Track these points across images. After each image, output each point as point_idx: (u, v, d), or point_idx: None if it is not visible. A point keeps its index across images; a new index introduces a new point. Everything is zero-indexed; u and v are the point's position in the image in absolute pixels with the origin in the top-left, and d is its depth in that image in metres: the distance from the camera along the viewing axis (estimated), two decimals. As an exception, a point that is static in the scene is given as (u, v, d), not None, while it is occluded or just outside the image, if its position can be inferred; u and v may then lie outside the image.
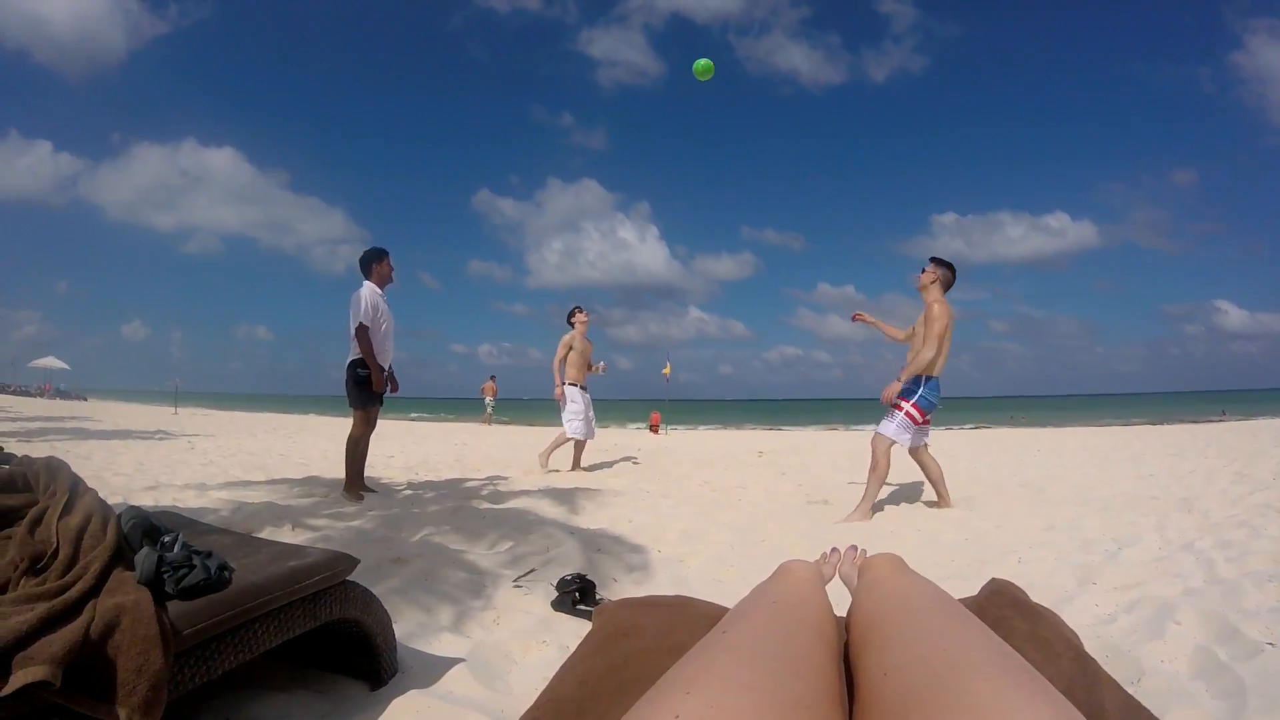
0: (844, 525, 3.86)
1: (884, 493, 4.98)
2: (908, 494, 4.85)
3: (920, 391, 4.15)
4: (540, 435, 12.59)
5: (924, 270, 4.30)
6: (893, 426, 4.14)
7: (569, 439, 6.30)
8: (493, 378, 19.53)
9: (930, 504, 4.40)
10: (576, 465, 6.33)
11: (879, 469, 4.13)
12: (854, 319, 4.76)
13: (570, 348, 6.31)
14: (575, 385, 6.30)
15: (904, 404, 4.15)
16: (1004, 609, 0.93)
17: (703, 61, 4.42)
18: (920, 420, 4.16)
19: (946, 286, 4.25)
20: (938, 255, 4.37)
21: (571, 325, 6.42)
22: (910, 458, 4.39)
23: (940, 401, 4.23)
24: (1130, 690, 0.86)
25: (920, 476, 4.59)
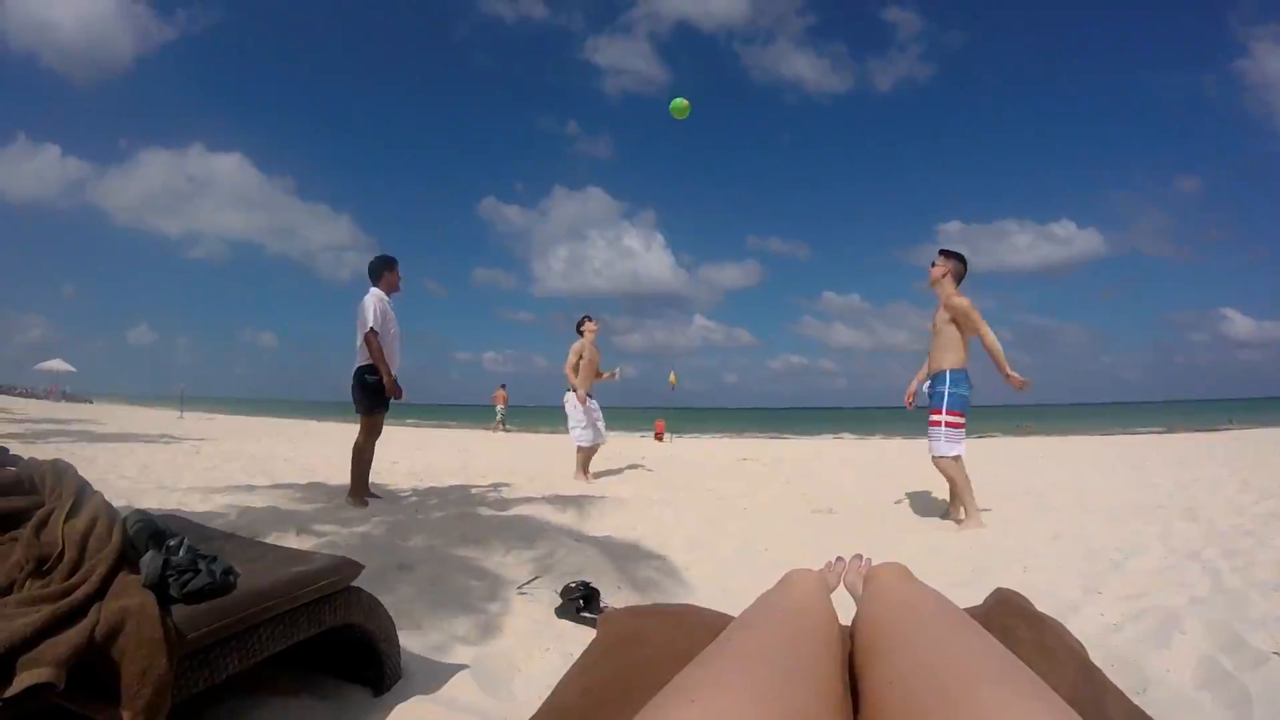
0: (955, 532, 3.77)
1: (890, 500, 4.97)
2: (914, 502, 4.83)
3: (947, 391, 3.97)
4: (545, 442, 12.60)
5: (934, 264, 4.14)
6: (944, 445, 3.98)
7: (579, 446, 6.32)
8: (503, 386, 20.65)
9: (940, 514, 4.37)
10: (582, 473, 6.33)
11: (958, 484, 3.98)
12: (910, 405, 4.45)
13: (580, 355, 6.36)
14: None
15: (939, 417, 3.98)
16: (1009, 618, 0.92)
17: (679, 101, 4.44)
18: (960, 422, 4.00)
19: (958, 279, 4.08)
20: (946, 247, 4.17)
21: (581, 334, 6.45)
22: (933, 464, 4.17)
23: (970, 392, 4.04)
24: (1136, 700, 0.85)
25: (926, 485, 4.57)
